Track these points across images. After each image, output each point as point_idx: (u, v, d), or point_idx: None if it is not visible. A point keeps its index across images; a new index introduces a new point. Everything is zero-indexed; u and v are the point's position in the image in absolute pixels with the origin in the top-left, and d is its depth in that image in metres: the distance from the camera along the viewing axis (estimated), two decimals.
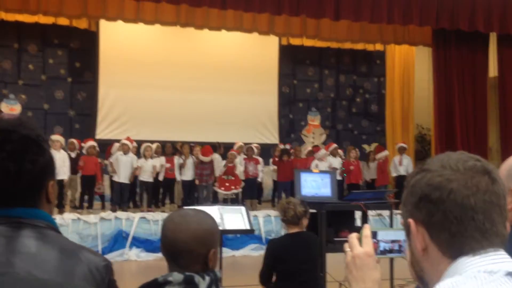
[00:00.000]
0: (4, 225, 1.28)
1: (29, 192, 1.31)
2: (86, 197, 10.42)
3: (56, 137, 10.25)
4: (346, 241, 1.22)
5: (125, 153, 10.32)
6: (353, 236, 1.23)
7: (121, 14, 10.67)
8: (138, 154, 10.76)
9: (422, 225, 1.02)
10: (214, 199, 10.90)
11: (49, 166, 1.33)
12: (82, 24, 12.31)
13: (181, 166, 10.82)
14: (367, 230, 1.23)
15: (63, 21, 11.86)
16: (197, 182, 10.80)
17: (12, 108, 11.45)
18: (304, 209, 3.81)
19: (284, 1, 10.02)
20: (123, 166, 10.27)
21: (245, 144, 11.70)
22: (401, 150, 12.03)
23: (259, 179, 11.36)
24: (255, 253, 9.29)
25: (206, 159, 10.77)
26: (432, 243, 1.01)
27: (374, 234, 1.35)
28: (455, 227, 0.99)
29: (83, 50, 12.89)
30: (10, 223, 1.28)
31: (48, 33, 12.53)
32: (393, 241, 1.49)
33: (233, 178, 10.94)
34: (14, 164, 1.25)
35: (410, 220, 1.04)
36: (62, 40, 12.74)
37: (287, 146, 12.07)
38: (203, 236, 1.65)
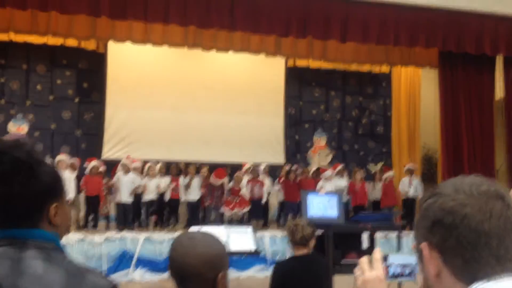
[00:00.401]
0: (10, 246, 1.27)
1: (25, 213, 1.30)
2: (90, 217, 10.42)
3: (61, 157, 10.29)
4: (354, 263, 1.21)
5: (126, 173, 10.32)
6: (364, 260, 1.21)
7: (129, 35, 10.76)
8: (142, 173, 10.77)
9: (436, 249, 1.00)
10: (220, 221, 10.86)
11: (47, 189, 1.32)
12: (90, 45, 12.44)
13: (187, 187, 10.81)
14: (378, 254, 1.22)
15: (71, 42, 11.99)
16: (206, 203, 10.76)
17: (19, 128, 11.50)
18: (312, 230, 3.78)
19: (291, 23, 10.09)
20: (125, 186, 10.27)
21: (254, 165, 11.68)
22: (410, 172, 11.98)
23: (262, 201, 11.29)
24: (260, 274, 9.20)
25: (218, 182, 10.76)
26: (446, 268, 1.00)
27: (384, 258, 1.33)
28: (469, 253, 0.97)
29: (91, 71, 12.99)
30: (16, 244, 1.28)
31: (57, 54, 12.66)
32: (403, 265, 1.47)
33: (239, 199, 10.92)
34: (4, 186, 1.25)
35: (423, 245, 1.02)
36: (70, 60, 12.85)
37: (293, 167, 12.04)
38: (211, 260, 1.64)
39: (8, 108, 12.40)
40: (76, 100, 13.01)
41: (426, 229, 1.02)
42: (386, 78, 14.71)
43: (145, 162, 10.95)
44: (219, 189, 10.79)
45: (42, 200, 1.31)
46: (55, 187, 1.35)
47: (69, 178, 9.86)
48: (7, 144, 1.29)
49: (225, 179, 11.00)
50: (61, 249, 1.33)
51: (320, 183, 11.40)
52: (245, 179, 11.28)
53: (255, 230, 4.90)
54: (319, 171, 11.85)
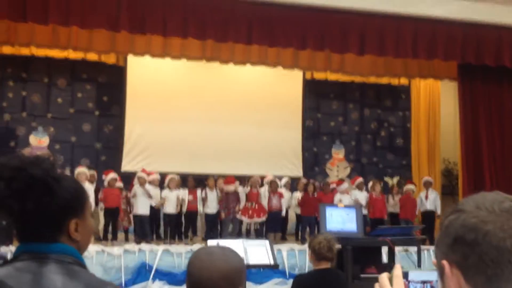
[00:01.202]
0: (31, 261, 1.29)
1: (45, 229, 1.31)
2: (109, 229, 10.48)
3: (81, 170, 10.42)
4: (373, 278, 1.20)
5: (141, 185, 10.39)
6: (384, 276, 1.20)
7: (148, 50, 10.89)
8: (161, 185, 10.83)
9: (457, 267, 0.99)
10: (238, 233, 10.84)
11: (66, 206, 1.33)
12: (110, 59, 12.61)
13: (204, 199, 10.82)
14: (398, 270, 1.21)
15: (91, 56, 12.17)
16: (222, 215, 10.77)
17: (40, 140, 11.66)
18: (338, 245, 3.77)
19: (309, 36, 10.11)
20: (141, 199, 10.32)
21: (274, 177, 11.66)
22: (427, 185, 11.85)
23: (282, 213, 11.26)
24: None
25: (230, 188, 10.76)
26: (467, 286, 0.98)
27: (405, 275, 1.31)
28: (491, 270, 0.96)
29: (110, 84, 13.16)
30: (38, 258, 1.29)
31: (77, 67, 12.85)
32: (424, 282, 1.45)
33: (256, 206, 10.91)
34: (18, 203, 1.27)
35: (444, 262, 1.01)
36: (90, 74, 13.04)
37: (311, 181, 11.98)
38: (229, 275, 1.63)
39: (30, 120, 12.60)
40: (96, 113, 13.17)
41: (447, 246, 1.01)
42: (405, 90, 14.63)
43: (165, 175, 11.00)
44: (234, 199, 10.78)
45: (60, 217, 1.33)
46: (75, 203, 1.36)
47: (88, 190, 9.90)
48: (26, 160, 1.31)
49: (238, 186, 10.98)
50: (81, 263, 1.34)
51: (337, 196, 11.33)
52: (264, 191, 11.25)
53: (273, 243, 4.88)
54: (328, 185, 11.75)
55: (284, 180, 11.78)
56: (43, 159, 1.33)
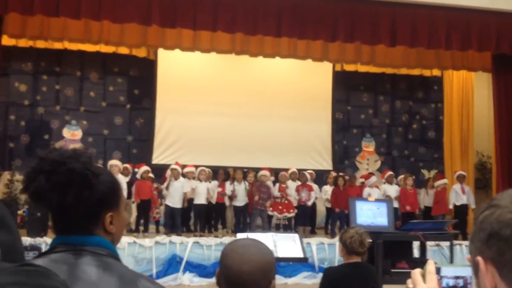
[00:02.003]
0: (67, 252, 1.31)
1: (82, 223, 1.34)
2: (141, 221, 10.64)
3: (114, 162, 10.62)
4: (404, 272, 1.18)
5: (176, 178, 10.49)
6: (417, 272, 1.18)
7: (178, 43, 10.96)
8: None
9: (492, 263, 0.97)
10: (267, 226, 10.86)
11: (103, 199, 1.35)
12: (141, 52, 12.74)
13: (232, 192, 10.87)
14: (431, 266, 1.19)
15: (123, 50, 12.32)
16: (254, 206, 10.81)
17: (73, 133, 11.89)
18: (369, 240, 3.74)
19: (339, 28, 10.02)
20: (175, 191, 10.44)
21: (298, 170, 11.66)
22: (461, 178, 11.64)
23: (308, 203, 11.21)
24: (307, 281, 9.16)
25: (266, 178, 10.80)
26: (503, 282, 0.96)
27: (437, 270, 1.29)
28: None
29: (141, 77, 13.30)
30: (73, 251, 1.31)
31: (109, 61, 13.03)
32: (457, 277, 1.42)
33: (286, 201, 10.93)
34: (58, 196, 1.29)
35: (479, 258, 0.99)
36: (122, 68, 13.20)
37: (341, 174, 11.92)
38: (266, 267, 1.65)
39: (63, 114, 12.84)
40: (128, 106, 13.34)
41: (482, 242, 0.99)
42: (438, 82, 14.36)
43: (196, 167, 11.10)
44: (266, 191, 10.80)
45: (97, 210, 1.35)
46: (111, 196, 1.38)
47: (121, 182, 10.06)
48: (66, 154, 1.32)
49: (270, 178, 11.03)
50: (115, 255, 1.36)
51: (366, 190, 11.24)
52: (292, 184, 11.26)
53: (302, 236, 4.87)
54: (355, 178, 11.68)
55: (309, 173, 11.74)
56: (81, 153, 1.34)
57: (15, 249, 0.97)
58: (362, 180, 11.85)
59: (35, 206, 8.65)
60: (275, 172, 11.51)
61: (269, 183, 11.01)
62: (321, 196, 11.60)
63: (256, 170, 11.45)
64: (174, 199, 10.42)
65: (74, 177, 1.30)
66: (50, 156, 1.31)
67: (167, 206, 10.51)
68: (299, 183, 11.32)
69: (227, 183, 11.00)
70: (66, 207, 1.30)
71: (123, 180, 10.29)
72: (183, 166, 10.93)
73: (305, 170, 11.77)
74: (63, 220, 1.34)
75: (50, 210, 1.33)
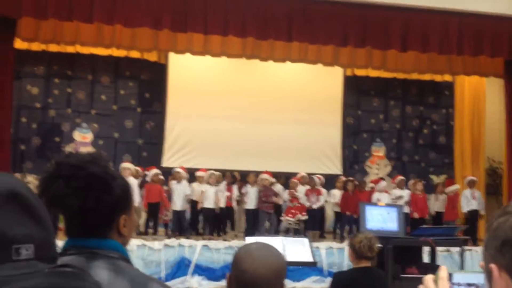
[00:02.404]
0: (79, 255, 1.32)
1: (98, 226, 1.35)
2: (151, 224, 10.68)
3: (127, 165, 10.69)
4: (414, 278, 1.18)
5: (179, 181, 10.53)
6: (429, 278, 1.18)
7: (189, 47, 11.00)
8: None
9: (506, 270, 0.97)
10: (276, 229, 10.85)
11: (119, 202, 1.36)
12: (152, 56, 12.80)
13: (243, 195, 10.87)
14: (443, 272, 1.19)
15: (134, 54, 12.39)
16: (260, 210, 10.83)
17: (84, 136, 11.96)
18: (379, 244, 3.73)
19: (350, 33, 10.01)
20: (177, 195, 10.47)
21: (308, 174, 11.65)
22: (472, 184, 11.57)
23: (314, 206, 11.17)
24: (316, 285, 9.12)
25: (265, 180, 10.80)
26: None
27: (449, 277, 1.29)
28: None
29: (152, 81, 13.36)
30: (86, 253, 1.32)
31: (120, 65, 13.10)
32: (469, 285, 1.41)
33: (298, 205, 10.93)
34: (78, 200, 1.29)
35: (493, 265, 0.99)
36: (133, 72, 13.27)
37: (351, 178, 11.90)
38: (280, 270, 1.67)
39: (74, 117, 12.93)
40: (138, 110, 13.40)
41: (495, 249, 0.99)
42: (449, 87, 14.28)
43: (206, 170, 11.13)
44: (271, 194, 10.80)
45: (113, 213, 1.36)
46: (126, 199, 1.40)
47: (132, 185, 10.16)
48: (84, 158, 1.34)
49: (272, 180, 11.02)
50: (127, 258, 1.37)
51: (375, 195, 11.20)
52: (301, 188, 11.25)
53: (311, 241, 4.87)
54: (364, 183, 11.65)
55: (318, 177, 11.73)
56: (99, 157, 1.36)
57: (49, 244, 0.95)
58: (372, 185, 11.81)
59: (50, 211, 8.69)
60: (286, 176, 11.50)
61: (279, 186, 11.00)
62: (330, 200, 11.57)
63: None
64: (176, 203, 10.46)
65: (94, 181, 1.31)
66: (69, 161, 1.32)
67: (174, 209, 10.56)
68: (308, 187, 11.31)
69: (235, 187, 11.02)
70: (85, 211, 1.31)
71: (134, 183, 10.35)
72: (195, 170, 10.97)
73: (314, 174, 11.74)
74: (79, 224, 1.35)
75: (66, 214, 1.34)
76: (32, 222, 0.91)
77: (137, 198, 10.24)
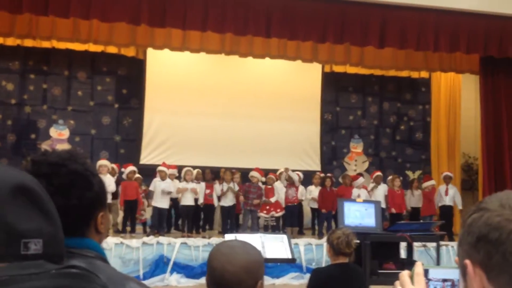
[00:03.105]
0: None
1: (77, 224, 1.32)
2: (128, 222, 10.59)
3: (104, 162, 10.56)
4: (391, 273, 1.19)
5: (162, 179, 10.46)
6: (405, 274, 1.18)
7: (167, 43, 10.92)
8: (179, 179, 10.91)
9: (480, 266, 0.97)
10: (256, 226, 10.86)
11: (98, 199, 1.35)
12: (130, 52, 12.67)
13: (222, 193, 10.85)
14: (419, 268, 1.19)
15: (111, 49, 12.24)
16: (241, 206, 10.81)
17: (60, 133, 11.79)
18: (356, 240, 3.76)
19: (328, 29, 10.05)
20: (161, 192, 10.40)
21: (286, 170, 11.69)
22: (447, 179, 11.73)
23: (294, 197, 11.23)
24: (295, 282, 9.16)
25: (255, 177, 10.79)
26: (490, 286, 0.96)
27: (425, 272, 1.30)
28: None
29: (130, 77, 13.24)
30: None
31: (97, 60, 12.95)
32: (444, 280, 1.42)
33: (273, 202, 10.96)
34: (61, 198, 1.27)
35: (467, 261, 0.99)
36: (110, 67, 13.13)
37: (328, 174, 11.97)
38: (251, 267, 1.65)
39: (50, 113, 12.75)
40: (116, 106, 13.27)
41: (470, 245, 0.99)
42: (426, 84, 14.46)
43: (182, 168, 11.07)
44: (255, 192, 10.82)
45: (93, 210, 1.34)
46: (103, 196, 1.38)
47: (110, 182, 10.10)
48: (63, 156, 1.31)
49: (262, 180, 11.07)
50: (103, 257, 1.35)
51: (355, 191, 11.28)
52: (280, 185, 11.28)
53: (290, 237, 4.88)
54: (349, 177, 11.75)
55: (297, 174, 11.77)
56: (77, 154, 1.34)
57: (58, 240, 0.93)
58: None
59: None
60: (265, 172, 11.52)
61: (260, 184, 11.03)
62: (307, 196, 11.60)
63: (244, 170, 11.45)
64: (161, 200, 10.38)
65: (76, 178, 1.29)
66: (48, 159, 1.30)
67: (154, 208, 10.47)
68: (286, 183, 11.35)
69: (216, 184, 10.99)
70: (69, 209, 1.28)
71: (112, 180, 10.26)
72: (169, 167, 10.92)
73: (293, 171, 11.77)
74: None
75: None
76: (41, 217, 0.91)
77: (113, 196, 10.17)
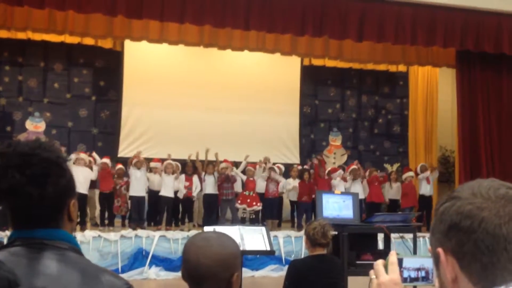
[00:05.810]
0: (26, 247, 1.28)
1: (52, 213, 1.30)
2: (106, 215, 10.50)
3: (81, 155, 10.44)
4: (368, 264, 1.20)
5: (139, 168, 10.40)
6: (379, 263, 1.20)
7: (145, 35, 10.82)
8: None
9: (452, 254, 0.98)
10: (235, 218, 10.86)
11: (70, 185, 1.33)
12: (107, 43, 12.52)
13: (202, 185, 10.84)
14: (393, 257, 1.20)
15: (88, 41, 12.06)
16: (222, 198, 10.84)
17: (36, 126, 11.62)
18: (334, 232, 3.78)
19: (307, 22, 10.06)
20: (137, 180, 10.34)
21: (266, 159, 11.77)
22: (424, 169, 11.93)
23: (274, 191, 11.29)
24: (274, 274, 9.22)
25: (227, 169, 10.79)
26: (463, 274, 0.98)
27: (399, 261, 1.31)
28: (487, 258, 0.95)
29: (107, 69, 13.08)
30: (33, 245, 1.28)
31: (74, 52, 12.76)
32: (418, 269, 1.44)
33: (254, 194, 10.97)
34: (36, 188, 1.25)
35: (439, 250, 1.00)
36: (87, 59, 12.95)
37: (306, 167, 12.03)
38: (226, 260, 1.63)
39: (26, 105, 12.55)
40: (93, 98, 13.11)
41: (442, 234, 1.00)
42: (403, 77, 14.60)
43: (162, 160, 11.01)
44: (229, 181, 10.82)
45: (66, 198, 1.33)
46: (73, 183, 1.36)
47: (87, 175, 10.03)
48: (32, 145, 1.29)
49: (235, 170, 11.06)
50: (77, 249, 1.33)
51: (333, 183, 11.36)
52: (259, 178, 11.30)
53: (269, 229, 4.90)
54: (330, 171, 11.84)
55: (277, 167, 11.82)
56: (45, 142, 1.32)
57: None
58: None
59: (3, 203, 8.42)
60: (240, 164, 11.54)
61: (234, 174, 11.03)
62: (286, 188, 11.63)
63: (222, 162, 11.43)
64: (137, 188, 10.32)
65: (49, 166, 1.27)
66: (18, 150, 1.27)
67: (132, 197, 10.40)
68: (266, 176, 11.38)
69: (195, 176, 10.95)
70: (43, 199, 1.26)
71: (90, 173, 10.18)
72: (149, 160, 10.85)
73: (274, 164, 11.80)
74: (32, 213, 1.29)
75: (20, 204, 1.27)
76: None
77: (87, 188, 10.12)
